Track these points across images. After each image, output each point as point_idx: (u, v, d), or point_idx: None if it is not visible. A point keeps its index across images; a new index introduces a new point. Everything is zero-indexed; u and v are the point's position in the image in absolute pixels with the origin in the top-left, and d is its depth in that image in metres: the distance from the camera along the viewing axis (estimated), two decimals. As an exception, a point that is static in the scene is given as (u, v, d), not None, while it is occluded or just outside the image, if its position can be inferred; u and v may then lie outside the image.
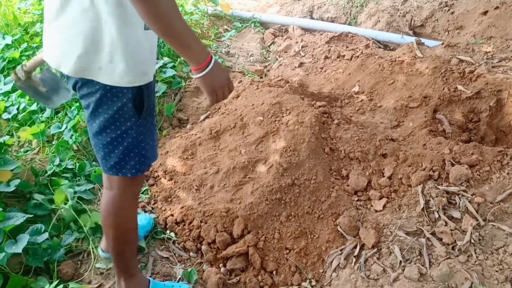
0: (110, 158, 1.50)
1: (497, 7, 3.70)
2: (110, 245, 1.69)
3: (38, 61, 1.96)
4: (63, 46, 1.37)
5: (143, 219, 2.20)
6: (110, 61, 1.33)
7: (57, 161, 2.47)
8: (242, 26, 4.86)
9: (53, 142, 2.70)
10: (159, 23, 1.21)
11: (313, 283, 2.03)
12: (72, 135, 2.64)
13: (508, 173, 2.15)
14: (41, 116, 2.81)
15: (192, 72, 1.37)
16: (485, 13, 3.77)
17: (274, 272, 2.07)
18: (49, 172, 2.38)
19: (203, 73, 1.35)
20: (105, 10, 1.28)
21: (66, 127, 2.68)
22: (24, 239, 1.80)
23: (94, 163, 2.64)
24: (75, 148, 2.66)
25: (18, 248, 1.78)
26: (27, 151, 2.67)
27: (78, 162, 2.53)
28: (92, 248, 2.06)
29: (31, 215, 2.06)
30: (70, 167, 2.46)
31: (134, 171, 1.53)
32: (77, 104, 2.77)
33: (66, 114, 2.78)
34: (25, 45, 3.49)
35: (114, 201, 1.61)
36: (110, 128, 1.45)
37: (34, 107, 2.83)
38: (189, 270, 2.02)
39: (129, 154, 1.50)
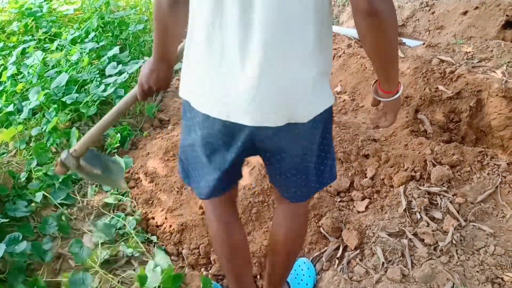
0: (324, 171, 1.46)
1: (476, 7, 3.74)
2: (288, 266, 1.71)
3: (91, 139, 1.67)
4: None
5: None
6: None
7: (34, 164, 2.42)
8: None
9: (31, 144, 2.64)
10: (391, 44, 1.10)
11: (296, 285, 2.02)
12: (50, 137, 2.58)
13: (488, 174, 2.17)
14: (18, 118, 2.74)
15: (381, 94, 1.30)
16: (465, 13, 3.81)
17: (257, 276, 2.05)
18: (24, 176, 2.33)
19: (395, 96, 1.28)
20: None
21: (45, 129, 2.62)
22: (0, 249, 1.75)
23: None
24: (53, 150, 2.61)
25: (-6, 258, 1.73)
26: (3, 153, 2.60)
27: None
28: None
29: (7, 220, 2.02)
30: (48, 170, 2.40)
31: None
32: (55, 105, 2.71)
33: (43, 116, 2.72)
34: (1, 44, 3.41)
35: (305, 220, 1.69)
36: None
37: (11, 108, 2.76)
38: (170, 274, 1.99)
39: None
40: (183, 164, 1.53)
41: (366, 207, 2.21)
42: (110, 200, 2.34)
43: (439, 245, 1.91)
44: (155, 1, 1.29)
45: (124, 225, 2.17)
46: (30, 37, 3.52)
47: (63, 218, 2.19)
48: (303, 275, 1.95)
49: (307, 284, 1.92)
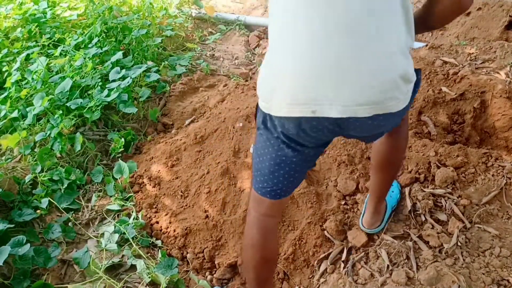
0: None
1: (479, 8, 3.72)
2: (391, 180, 1.89)
3: None
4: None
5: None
6: None
7: (38, 169, 2.43)
8: (226, 28, 4.84)
9: (35, 150, 2.65)
10: None
11: (301, 289, 2.02)
12: (55, 142, 2.59)
13: (493, 175, 2.16)
14: (23, 123, 2.75)
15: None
16: (468, 14, 3.79)
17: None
18: (28, 181, 2.34)
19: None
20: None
21: (50, 134, 2.63)
22: (5, 252, 1.76)
23: (77, 170, 2.59)
24: (58, 155, 2.62)
25: (-1, 261, 1.74)
26: (8, 159, 2.62)
27: (63, 168, 2.50)
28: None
29: (12, 225, 2.03)
30: (53, 176, 2.41)
31: None
32: (60, 111, 2.72)
33: (48, 121, 2.72)
34: (5, 50, 3.43)
35: (405, 134, 1.76)
36: None
37: (15, 114, 2.77)
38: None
39: None
40: None
41: (371, 210, 2.20)
42: (114, 206, 2.35)
43: (444, 247, 1.90)
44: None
45: (124, 232, 2.18)
46: (34, 43, 3.53)
47: (69, 224, 2.20)
48: (392, 191, 2.14)
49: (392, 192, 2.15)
